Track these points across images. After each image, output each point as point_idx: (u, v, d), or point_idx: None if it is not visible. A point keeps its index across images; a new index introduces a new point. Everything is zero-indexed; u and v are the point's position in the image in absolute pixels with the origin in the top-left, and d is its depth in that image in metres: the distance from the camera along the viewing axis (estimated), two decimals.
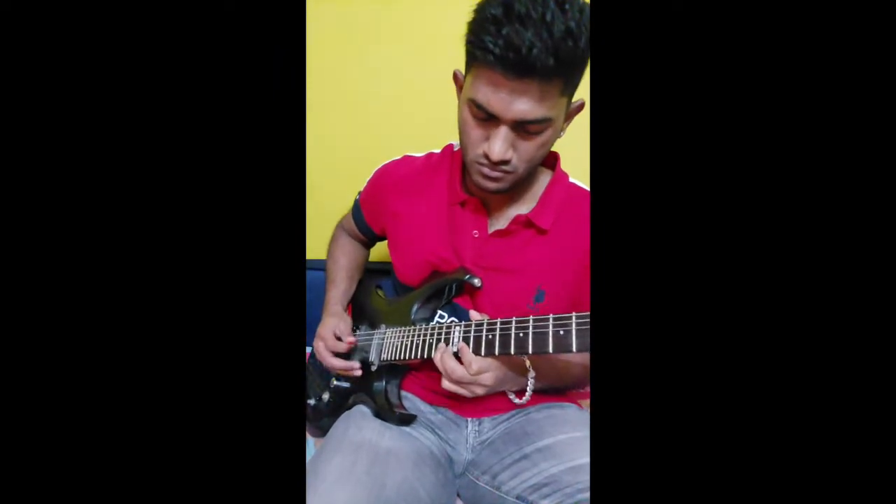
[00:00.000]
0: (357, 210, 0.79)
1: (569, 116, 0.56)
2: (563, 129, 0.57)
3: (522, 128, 0.51)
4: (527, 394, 0.58)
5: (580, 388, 0.71)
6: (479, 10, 0.47)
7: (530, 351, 0.50)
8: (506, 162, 0.53)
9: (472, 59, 0.50)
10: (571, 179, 0.67)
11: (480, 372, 0.53)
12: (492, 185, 0.56)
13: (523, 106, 0.48)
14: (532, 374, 0.58)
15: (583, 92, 0.56)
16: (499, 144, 0.51)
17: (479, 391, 0.54)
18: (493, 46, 0.45)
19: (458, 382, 0.54)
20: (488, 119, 0.51)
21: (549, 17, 0.43)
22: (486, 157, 0.53)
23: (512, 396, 0.60)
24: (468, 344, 0.55)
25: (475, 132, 0.53)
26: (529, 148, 0.53)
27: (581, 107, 0.57)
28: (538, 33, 0.43)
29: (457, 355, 0.55)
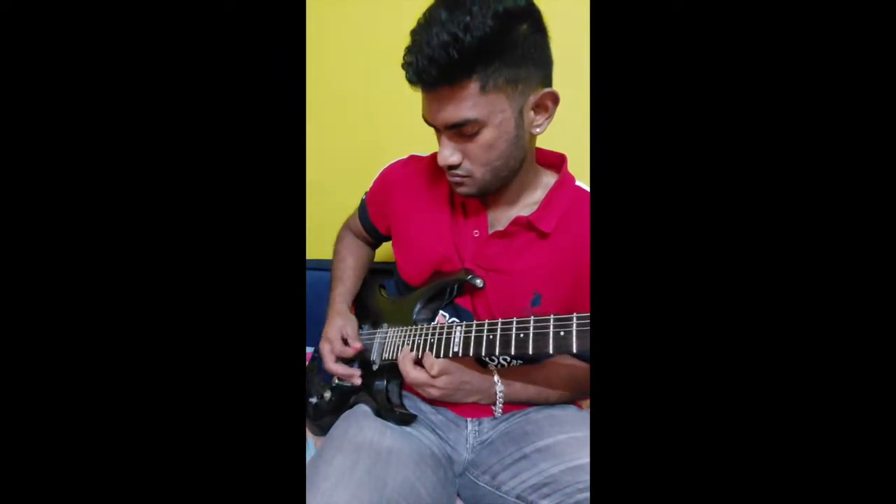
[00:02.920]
0: (363, 209, 0.79)
1: (538, 110, 0.55)
2: (537, 125, 0.56)
3: (458, 132, 0.53)
4: (497, 406, 0.62)
5: (569, 403, 0.69)
6: None
7: (530, 351, 0.50)
8: (455, 166, 0.56)
9: None
10: (578, 182, 0.66)
11: (441, 374, 0.57)
12: (459, 190, 0.59)
13: (443, 112, 0.52)
14: (500, 386, 0.61)
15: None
16: (440, 151, 0.56)
17: (435, 393, 0.58)
18: (404, 71, 0.51)
19: (414, 384, 0.59)
20: (438, 131, 0.56)
21: (434, 31, 0.47)
22: None
23: (494, 408, 0.63)
24: (469, 344, 0.56)
25: (438, 144, 0.57)
26: (476, 150, 0.54)
27: (550, 96, 0.55)
28: (421, 50, 0.48)
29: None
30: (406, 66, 0.50)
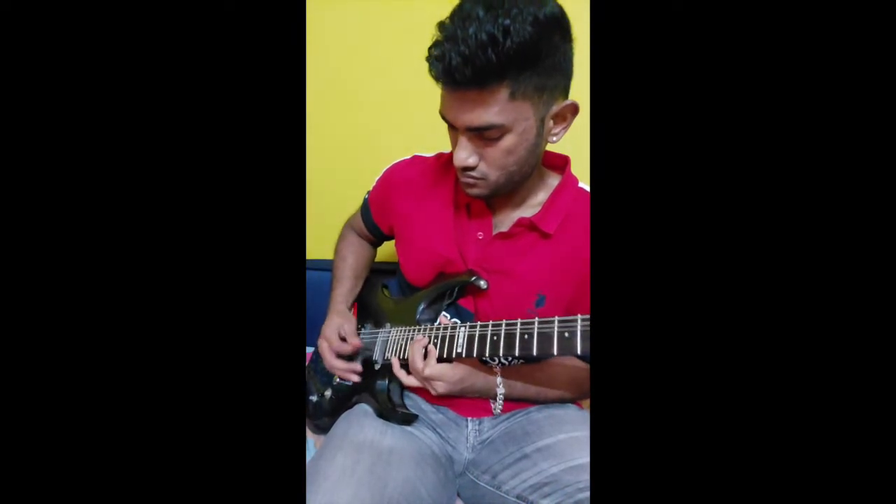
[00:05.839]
0: (365, 209, 0.79)
1: (557, 119, 0.55)
2: (554, 134, 0.56)
3: (479, 135, 0.52)
4: (497, 404, 0.62)
5: (569, 402, 0.70)
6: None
7: (534, 353, 0.50)
8: (471, 168, 0.55)
9: None
10: (581, 184, 0.66)
11: (432, 378, 0.57)
12: (470, 191, 0.59)
13: (469, 114, 0.50)
14: (501, 388, 0.61)
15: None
16: (458, 152, 0.54)
17: (440, 390, 0.58)
18: (430, 65, 0.49)
19: (415, 374, 0.59)
20: (455, 130, 0.54)
21: (471, 31, 0.44)
22: None
23: (492, 404, 0.63)
24: (473, 344, 0.55)
25: (452, 142, 0.56)
26: (494, 154, 0.53)
27: (571, 108, 0.55)
28: (456, 46, 0.45)
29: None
30: (434, 60, 0.47)
